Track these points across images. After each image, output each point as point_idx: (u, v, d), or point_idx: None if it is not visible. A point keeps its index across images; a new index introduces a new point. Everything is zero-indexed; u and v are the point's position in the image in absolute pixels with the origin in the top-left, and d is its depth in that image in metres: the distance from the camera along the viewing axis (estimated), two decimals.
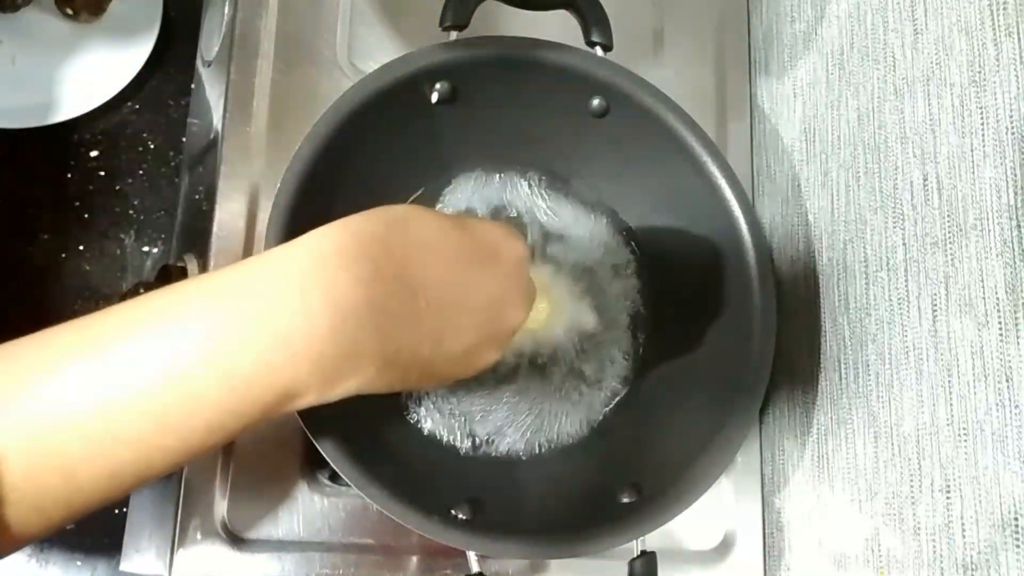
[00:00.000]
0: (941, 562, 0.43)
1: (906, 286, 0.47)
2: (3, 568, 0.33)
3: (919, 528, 0.45)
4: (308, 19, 0.61)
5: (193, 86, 0.69)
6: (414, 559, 0.53)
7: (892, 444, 0.47)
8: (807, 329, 0.56)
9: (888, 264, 0.49)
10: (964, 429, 0.42)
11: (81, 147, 0.67)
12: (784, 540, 0.58)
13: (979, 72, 0.42)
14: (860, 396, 0.51)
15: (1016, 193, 0.39)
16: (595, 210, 0.61)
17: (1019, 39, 0.40)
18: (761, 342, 0.53)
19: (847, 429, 0.52)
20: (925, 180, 0.46)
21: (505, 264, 0.41)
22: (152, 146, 0.68)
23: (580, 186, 0.61)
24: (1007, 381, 0.39)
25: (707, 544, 0.58)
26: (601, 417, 0.57)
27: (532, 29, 0.55)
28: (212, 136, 0.60)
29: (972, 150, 0.42)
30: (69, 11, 0.67)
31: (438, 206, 0.58)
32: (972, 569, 0.41)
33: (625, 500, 0.51)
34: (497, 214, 0.59)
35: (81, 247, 0.65)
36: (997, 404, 0.40)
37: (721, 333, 0.56)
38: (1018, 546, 0.38)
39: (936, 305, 0.44)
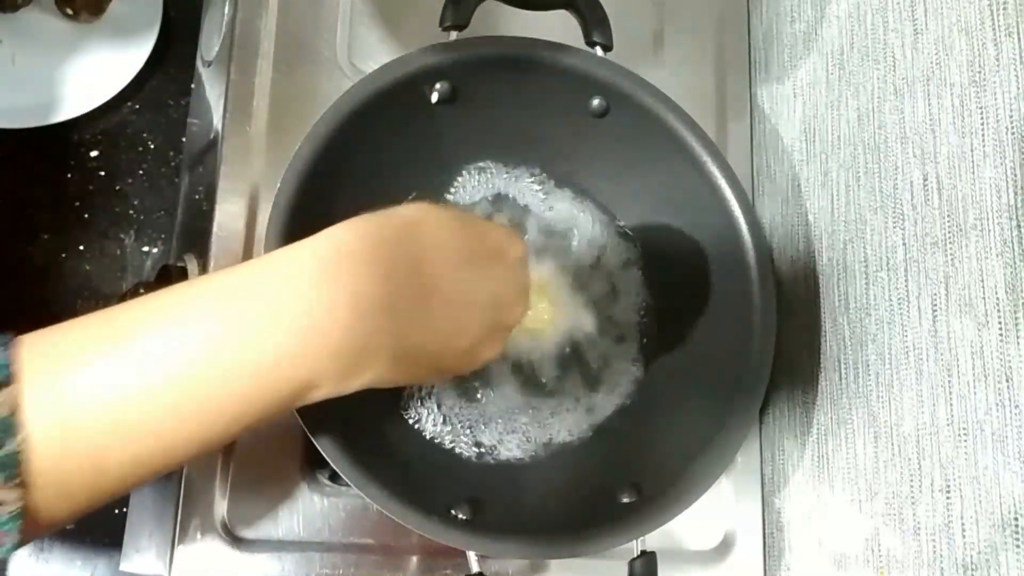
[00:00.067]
0: (941, 562, 0.43)
1: (906, 286, 0.47)
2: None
3: (919, 528, 0.45)
4: (308, 19, 0.61)
5: (193, 86, 0.69)
6: (414, 559, 0.53)
7: (892, 444, 0.47)
8: (807, 329, 0.56)
9: (888, 264, 0.49)
10: (964, 429, 0.42)
11: (81, 147, 0.67)
12: (784, 540, 0.58)
13: (979, 72, 0.42)
14: (860, 396, 0.51)
15: (1016, 193, 0.39)
16: (595, 210, 0.61)
17: (1019, 39, 0.40)
18: (761, 342, 0.53)
19: (847, 429, 0.52)
20: (925, 180, 0.46)
21: (507, 264, 0.43)
22: (152, 146, 0.68)
23: (580, 186, 0.61)
24: (1007, 381, 0.39)
25: (707, 544, 0.58)
26: (601, 417, 0.57)
27: (532, 29, 0.55)
28: (212, 136, 0.60)
29: (972, 150, 0.42)
30: (69, 11, 0.67)
31: None
32: (972, 569, 0.41)
33: (625, 500, 0.51)
34: (497, 214, 0.59)
35: (81, 247, 0.65)
36: (997, 404, 0.40)
37: (721, 333, 0.56)
38: (1018, 546, 0.38)
39: (936, 305, 0.44)
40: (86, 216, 0.66)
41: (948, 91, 0.44)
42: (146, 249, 0.66)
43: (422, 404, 0.55)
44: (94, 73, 0.67)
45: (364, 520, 0.53)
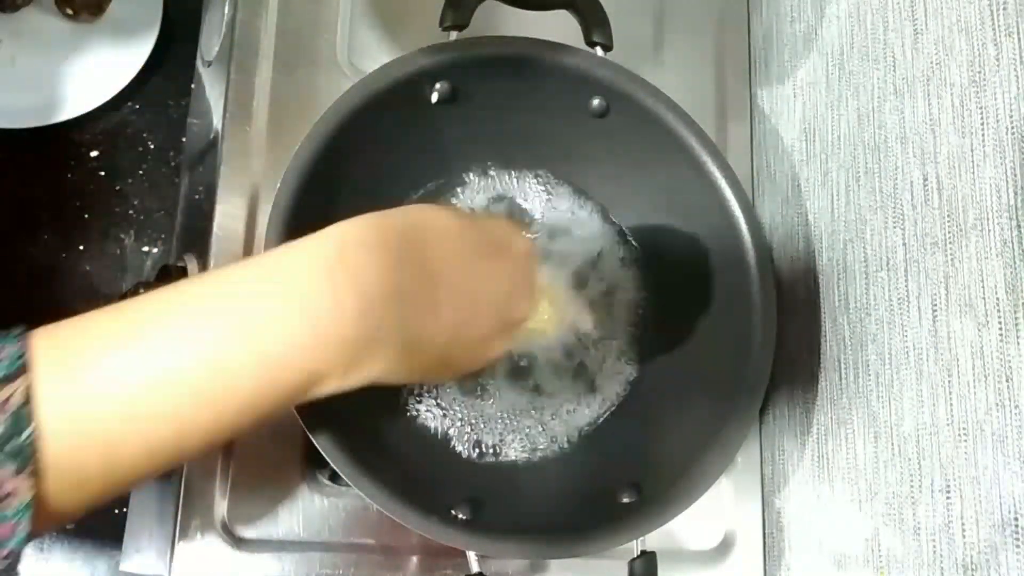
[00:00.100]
0: (941, 562, 0.43)
1: (906, 286, 0.47)
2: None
3: (919, 528, 0.45)
4: (308, 19, 0.61)
5: (193, 86, 0.69)
6: (414, 559, 0.53)
7: (892, 444, 0.47)
8: (807, 329, 0.56)
9: (888, 264, 0.49)
10: (964, 429, 0.42)
11: (81, 147, 0.67)
12: (784, 540, 0.58)
13: (979, 72, 0.42)
14: (860, 396, 0.51)
15: (1016, 193, 0.39)
16: (595, 210, 0.61)
17: (1019, 39, 0.40)
18: (761, 342, 0.53)
19: (847, 429, 0.52)
20: (925, 180, 0.46)
21: (514, 258, 0.43)
22: (152, 146, 0.68)
23: (580, 186, 0.61)
24: (1007, 381, 0.39)
25: (707, 544, 0.58)
26: (601, 417, 0.57)
27: (532, 29, 0.55)
28: (212, 136, 0.60)
29: (972, 150, 0.42)
30: (69, 11, 0.67)
31: None
32: (972, 569, 0.41)
33: (625, 500, 0.51)
34: (499, 214, 0.59)
35: (81, 247, 0.65)
36: (997, 404, 0.40)
37: (721, 333, 0.56)
38: (1018, 546, 0.38)
39: (936, 305, 0.44)
40: (86, 216, 0.66)
41: (948, 91, 0.44)
42: (146, 249, 0.66)
43: (422, 404, 0.55)
44: (94, 73, 0.67)
45: (364, 520, 0.53)
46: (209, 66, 0.65)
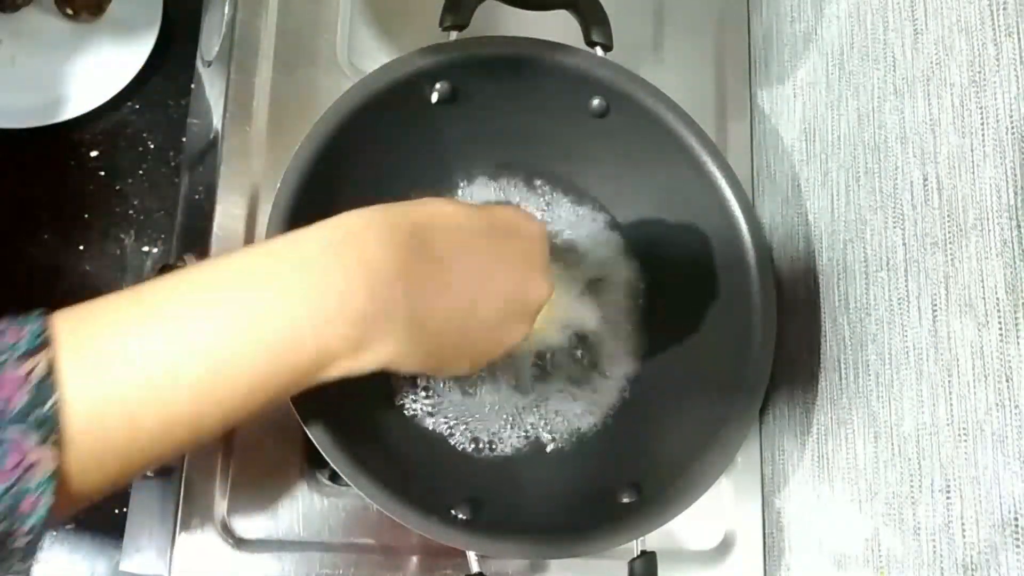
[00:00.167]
0: (941, 562, 0.43)
1: (906, 286, 0.47)
2: None
3: (919, 528, 0.45)
4: (308, 19, 0.61)
5: (193, 86, 0.69)
6: (414, 559, 0.53)
7: (892, 444, 0.47)
8: (807, 329, 0.56)
9: (888, 264, 0.49)
10: (964, 429, 0.42)
11: (81, 147, 0.67)
12: (784, 540, 0.58)
13: (979, 72, 0.42)
14: (860, 396, 0.51)
15: (1016, 193, 0.39)
16: (595, 210, 0.61)
17: (1019, 39, 0.40)
18: (761, 342, 0.53)
19: (847, 429, 0.52)
20: (925, 180, 0.46)
21: (524, 239, 0.43)
22: (152, 146, 0.68)
23: (580, 186, 0.61)
24: (1007, 381, 0.39)
25: (707, 544, 0.58)
26: (601, 417, 0.57)
27: (532, 29, 0.55)
28: (212, 136, 0.60)
29: (972, 150, 0.42)
30: (69, 11, 0.67)
31: None
32: (972, 569, 0.41)
33: (625, 500, 0.51)
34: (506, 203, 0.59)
35: (81, 247, 0.65)
36: (997, 404, 0.40)
37: (721, 333, 0.56)
38: (1018, 546, 0.38)
39: (936, 305, 0.44)
40: (86, 216, 0.66)
41: (948, 91, 0.44)
42: (146, 249, 0.66)
43: (422, 404, 0.55)
44: (94, 73, 0.67)
45: (364, 520, 0.53)
46: (209, 66, 0.65)
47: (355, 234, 0.37)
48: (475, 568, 0.45)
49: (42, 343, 0.31)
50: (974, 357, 0.41)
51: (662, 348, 0.59)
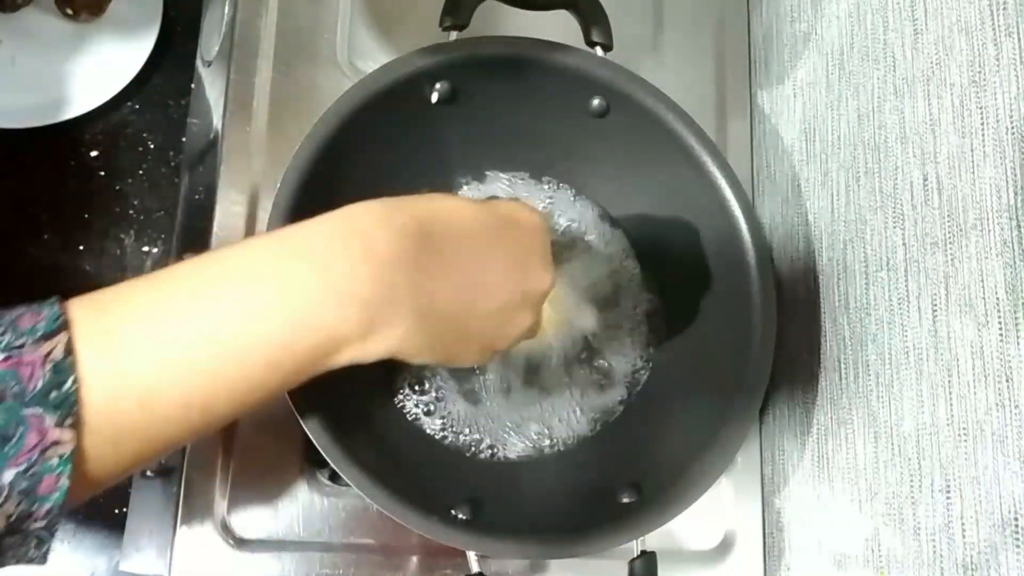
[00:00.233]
0: (941, 562, 0.43)
1: (906, 286, 0.47)
2: (3, 569, 0.33)
3: (919, 528, 0.45)
4: (308, 19, 0.61)
5: (193, 86, 0.69)
6: (414, 559, 0.53)
7: (892, 444, 0.47)
8: (807, 329, 0.56)
9: (888, 264, 0.49)
10: (964, 429, 0.42)
11: (81, 147, 0.67)
12: (784, 540, 0.58)
13: (979, 72, 0.42)
14: (860, 396, 0.51)
15: (1016, 193, 0.39)
16: (595, 210, 0.61)
17: (1019, 39, 0.40)
18: (761, 342, 0.53)
19: (847, 429, 0.52)
20: (925, 180, 0.46)
21: (524, 230, 0.43)
22: (152, 146, 0.68)
23: (580, 186, 0.61)
24: (1007, 381, 0.39)
25: (707, 544, 0.58)
26: (601, 417, 0.57)
27: (532, 29, 0.55)
28: (212, 136, 0.60)
29: (972, 150, 0.42)
30: (69, 11, 0.67)
31: None
32: (972, 569, 0.41)
33: (625, 500, 0.51)
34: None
35: (81, 247, 0.65)
36: (997, 404, 0.40)
37: (721, 333, 0.56)
38: (1018, 546, 0.38)
39: (936, 305, 0.44)
40: (86, 216, 0.66)
41: (948, 91, 0.44)
42: (146, 249, 0.66)
43: (423, 403, 0.55)
44: (94, 73, 0.67)
45: (364, 520, 0.53)
46: (209, 66, 0.65)
47: (360, 223, 0.38)
48: (475, 568, 0.45)
49: (59, 326, 0.32)
50: (974, 357, 0.41)
51: (662, 348, 0.59)
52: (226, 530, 0.52)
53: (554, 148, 0.59)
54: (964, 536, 0.41)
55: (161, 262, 0.66)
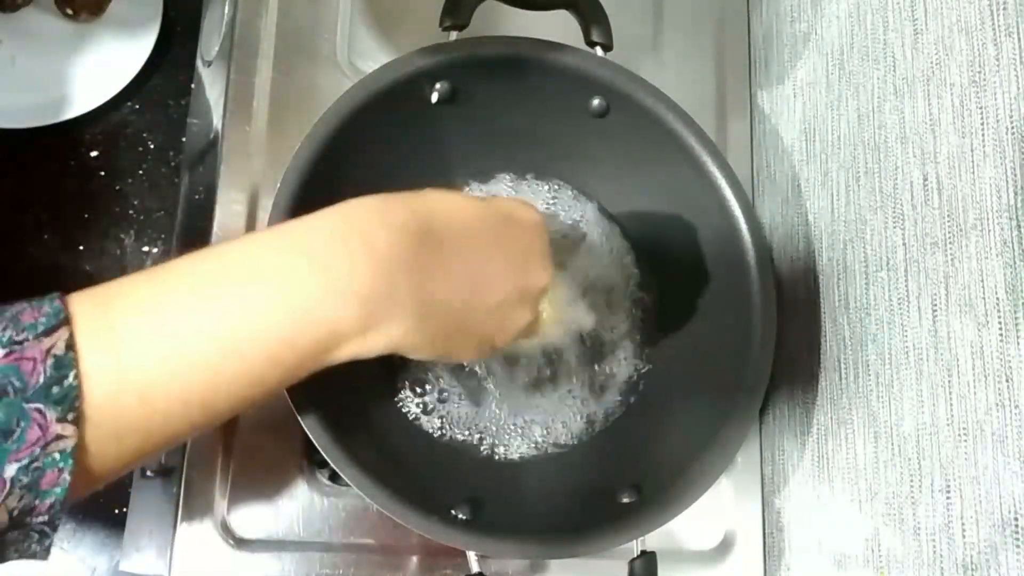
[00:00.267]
0: (941, 562, 0.43)
1: (906, 286, 0.47)
2: (5, 566, 0.33)
3: (919, 528, 0.45)
4: (308, 19, 0.61)
5: (193, 86, 0.69)
6: (414, 559, 0.53)
7: (892, 444, 0.47)
8: (807, 329, 0.56)
9: (888, 264, 0.49)
10: (964, 429, 0.42)
11: (81, 147, 0.67)
12: (784, 540, 0.58)
13: (979, 72, 0.42)
14: (860, 396, 0.51)
15: (1016, 193, 0.39)
16: (595, 210, 0.61)
17: (1019, 39, 0.40)
18: (761, 342, 0.53)
19: (847, 429, 0.52)
20: (925, 180, 0.46)
21: (523, 227, 0.44)
22: (152, 146, 0.68)
23: (580, 186, 0.61)
24: (1007, 381, 0.39)
25: (707, 544, 0.58)
26: (601, 417, 0.57)
27: (532, 29, 0.55)
28: (212, 136, 0.60)
29: (972, 150, 0.42)
30: (69, 11, 0.67)
31: None
32: (972, 569, 0.41)
33: (625, 500, 0.51)
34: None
35: (81, 247, 0.65)
36: (997, 404, 0.40)
37: (721, 333, 0.56)
38: (1018, 546, 0.38)
39: (936, 305, 0.44)
40: (86, 216, 0.66)
41: (948, 91, 0.44)
42: (146, 249, 0.66)
43: (422, 403, 0.55)
44: (94, 73, 0.67)
45: (364, 520, 0.53)
46: (209, 66, 0.65)
47: (359, 219, 0.38)
48: (475, 568, 0.45)
49: (60, 322, 0.32)
50: (974, 357, 0.41)
51: (662, 348, 0.59)
52: (226, 530, 0.52)
53: (554, 148, 0.59)
54: (964, 536, 0.41)
55: (161, 262, 0.65)
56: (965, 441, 0.42)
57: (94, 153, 0.67)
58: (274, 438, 0.53)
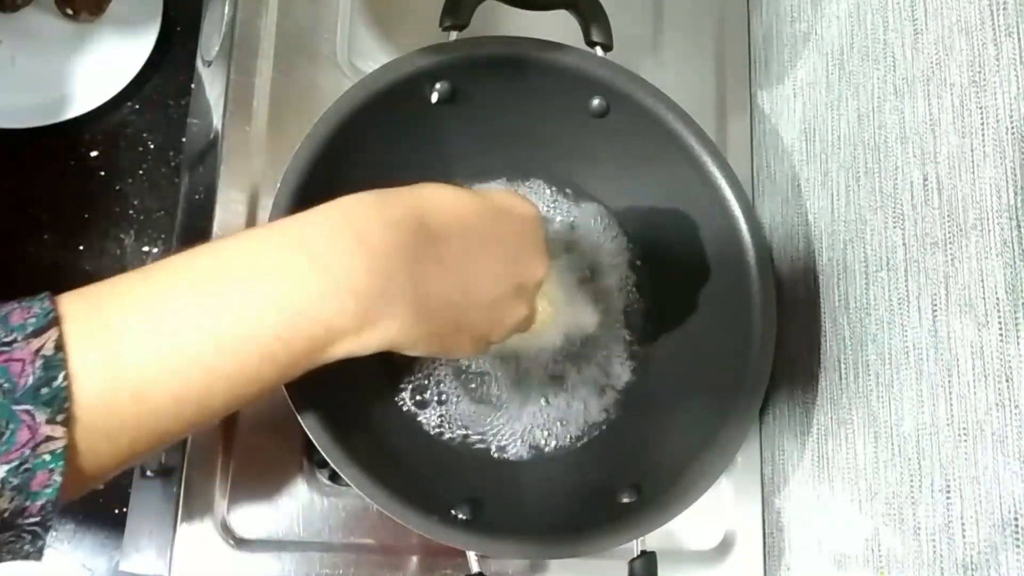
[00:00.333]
0: (941, 562, 0.43)
1: (906, 286, 0.47)
2: (3, 568, 0.33)
3: (919, 528, 0.45)
4: (308, 19, 0.61)
5: (193, 86, 0.69)
6: (414, 559, 0.53)
7: (892, 444, 0.47)
8: (807, 329, 0.56)
9: (888, 264, 0.49)
10: (964, 429, 0.42)
11: (81, 147, 0.67)
12: (784, 540, 0.58)
13: (979, 72, 0.42)
14: (860, 396, 0.51)
15: (1016, 193, 0.39)
16: (594, 210, 0.61)
17: (1019, 39, 0.40)
18: (761, 342, 0.53)
19: (847, 429, 0.52)
20: (925, 180, 0.46)
21: (518, 219, 0.44)
22: (152, 146, 0.68)
23: (580, 186, 0.61)
24: (1007, 381, 0.39)
25: (707, 544, 0.58)
26: (601, 417, 0.57)
27: (532, 29, 0.55)
28: (212, 136, 0.60)
29: (972, 150, 0.42)
30: (69, 11, 0.67)
31: None
32: (972, 569, 0.41)
33: (625, 500, 0.51)
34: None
35: (81, 247, 0.65)
36: (997, 404, 0.40)
37: (721, 333, 0.56)
38: (1018, 546, 0.38)
39: (936, 305, 0.44)
40: (86, 216, 0.66)
41: (948, 91, 0.44)
42: (146, 249, 0.66)
43: (422, 403, 0.55)
44: (94, 73, 0.67)
45: (364, 520, 0.53)
46: (209, 66, 0.65)
47: (354, 216, 0.38)
48: (475, 568, 0.45)
49: (50, 322, 0.32)
50: (974, 357, 0.41)
51: (662, 348, 0.59)
52: (226, 530, 0.52)
53: (554, 148, 0.59)
54: (964, 536, 0.41)
55: None
56: (965, 441, 0.42)
57: (94, 153, 0.67)
58: (274, 438, 0.53)
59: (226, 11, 0.61)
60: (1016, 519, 0.38)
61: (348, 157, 0.50)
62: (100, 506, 0.60)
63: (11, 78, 0.66)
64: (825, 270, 0.56)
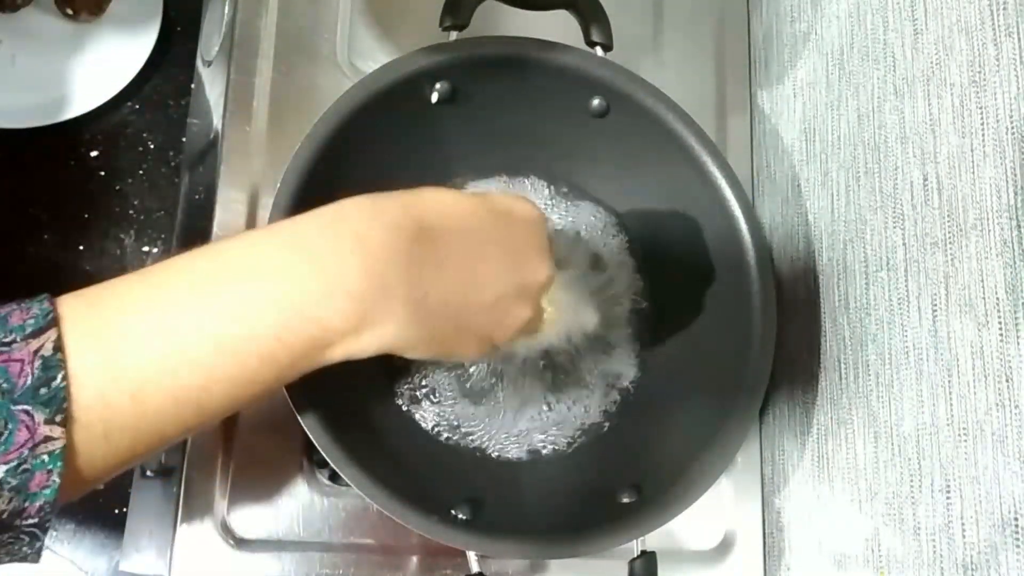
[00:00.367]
0: (941, 562, 0.43)
1: (906, 286, 0.47)
2: (3, 568, 0.33)
3: (919, 528, 0.45)
4: (308, 19, 0.61)
5: (193, 86, 0.69)
6: (414, 559, 0.53)
7: (892, 444, 0.47)
8: (807, 329, 0.56)
9: (888, 264, 0.49)
10: (964, 429, 0.42)
11: (81, 147, 0.67)
12: (784, 540, 0.58)
13: (979, 72, 0.42)
14: (860, 396, 0.51)
15: (1016, 193, 0.39)
16: (595, 210, 0.61)
17: (1019, 39, 0.40)
18: (761, 342, 0.53)
19: (847, 429, 0.52)
20: (925, 180, 0.46)
21: (520, 221, 0.43)
22: (152, 146, 0.68)
23: (580, 186, 0.61)
24: (1007, 381, 0.39)
25: (707, 544, 0.58)
26: (601, 417, 0.57)
27: (532, 29, 0.55)
28: (212, 136, 0.60)
29: (972, 150, 0.42)
30: (69, 11, 0.67)
31: None
32: (972, 569, 0.41)
33: (625, 500, 0.51)
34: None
35: (81, 247, 0.65)
36: (997, 404, 0.40)
37: (721, 333, 0.56)
38: (1018, 546, 0.38)
39: (936, 305, 0.44)
40: (86, 216, 0.66)
41: (948, 91, 0.44)
42: (146, 249, 0.66)
43: (422, 403, 0.55)
44: (94, 73, 0.67)
45: (364, 520, 0.53)
46: (209, 66, 0.65)
47: (352, 218, 0.38)
48: (475, 568, 0.45)
49: (49, 323, 0.32)
50: (974, 357, 0.41)
51: (662, 348, 0.59)
52: (226, 530, 0.52)
53: (554, 148, 0.59)
54: (964, 536, 0.41)
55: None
56: (965, 441, 0.42)
57: (94, 153, 0.67)
58: (274, 438, 0.53)
59: (226, 11, 0.61)
60: (1016, 519, 0.38)
61: (348, 157, 0.50)
62: (100, 506, 0.60)
63: (11, 78, 0.66)
64: (825, 270, 0.56)
